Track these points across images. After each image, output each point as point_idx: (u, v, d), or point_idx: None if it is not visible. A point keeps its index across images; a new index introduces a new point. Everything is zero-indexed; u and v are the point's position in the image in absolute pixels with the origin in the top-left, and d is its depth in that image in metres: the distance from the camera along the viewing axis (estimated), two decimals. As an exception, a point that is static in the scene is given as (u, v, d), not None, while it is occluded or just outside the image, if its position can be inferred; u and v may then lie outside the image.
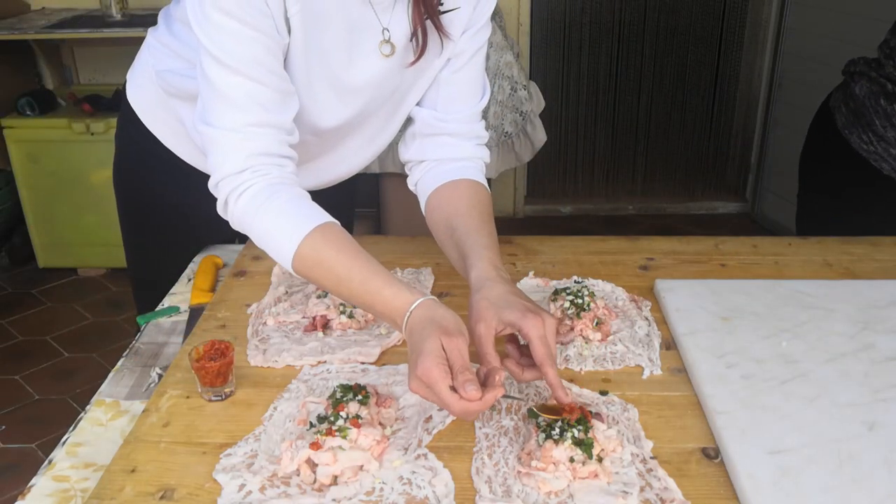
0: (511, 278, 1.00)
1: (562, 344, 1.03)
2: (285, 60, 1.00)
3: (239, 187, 0.96)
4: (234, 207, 0.97)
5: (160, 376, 1.03)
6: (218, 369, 0.93)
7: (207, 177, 1.00)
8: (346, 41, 1.03)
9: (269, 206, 0.95)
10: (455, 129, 1.14)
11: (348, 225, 1.53)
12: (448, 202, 1.10)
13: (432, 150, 1.15)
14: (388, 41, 1.05)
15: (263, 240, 0.97)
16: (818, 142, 1.68)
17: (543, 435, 0.82)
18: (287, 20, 0.97)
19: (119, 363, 1.07)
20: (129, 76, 1.27)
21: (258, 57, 0.95)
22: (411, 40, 1.04)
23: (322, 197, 1.34)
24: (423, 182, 1.15)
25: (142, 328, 1.15)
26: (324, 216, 0.97)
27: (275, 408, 0.92)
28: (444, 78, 1.12)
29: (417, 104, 1.15)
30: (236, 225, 1.00)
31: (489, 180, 3.41)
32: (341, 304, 1.08)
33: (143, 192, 1.32)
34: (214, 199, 1.01)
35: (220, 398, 0.94)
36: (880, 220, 1.51)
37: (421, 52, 1.04)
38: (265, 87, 0.96)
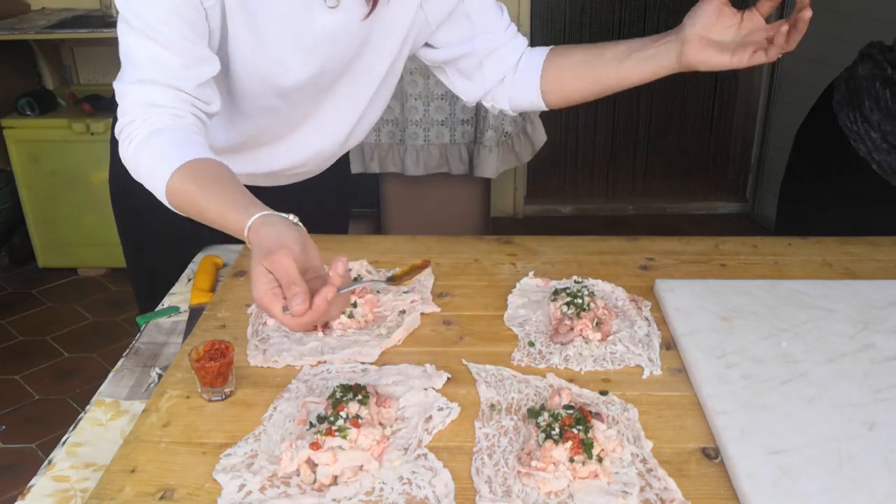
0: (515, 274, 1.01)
1: (562, 344, 1.04)
2: (226, 20, 1.02)
3: (131, 134, 0.99)
4: (126, 154, 1.00)
5: (160, 376, 1.03)
6: (218, 369, 0.93)
7: None
8: None
9: (149, 147, 0.97)
10: (503, 40, 1.21)
11: (343, 225, 1.54)
12: (563, 65, 1.19)
13: (500, 64, 1.22)
14: None
15: (146, 181, 0.99)
16: (812, 117, 1.71)
17: (543, 435, 0.82)
18: None
19: (119, 363, 1.07)
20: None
21: (165, 19, 0.97)
22: None
23: (318, 198, 1.35)
24: (516, 92, 1.23)
25: (142, 328, 1.15)
26: (199, 153, 0.97)
27: (275, 408, 0.92)
28: (466, 13, 1.18)
29: (455, 45, 1.20)
30: (133, 173, 1.02)
31: (489, 180, 3.39)
32: (341, 304, 1.08)
33: (136, 195, 1.32)
34: None
35: (220, 398, 0.94)
36: (856, 200, 1.54)
37: (373, 4, 1.05)
38: (168, 52, 0.98)
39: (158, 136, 0.97)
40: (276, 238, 0.83)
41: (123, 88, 1.01)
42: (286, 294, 0.80)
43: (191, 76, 1.00)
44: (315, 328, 0.99)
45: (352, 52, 1.12)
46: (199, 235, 1.37)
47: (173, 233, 1.34)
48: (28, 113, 3.03)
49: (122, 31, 0.99)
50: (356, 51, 1.12)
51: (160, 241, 1.35)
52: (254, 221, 0.85)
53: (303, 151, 1.24)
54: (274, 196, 1.35)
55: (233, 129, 1.18)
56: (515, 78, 1.22)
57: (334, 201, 1.48)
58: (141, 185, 1.30)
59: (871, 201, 1.56)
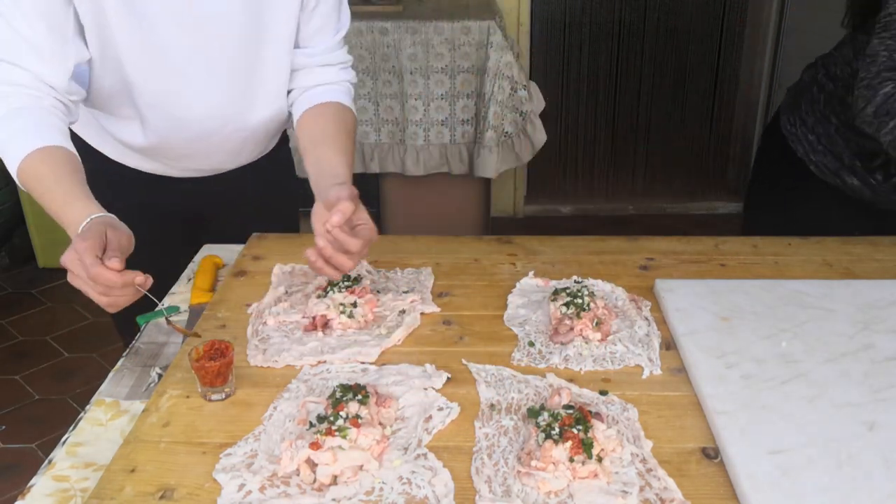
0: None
1: (562, 344, 1.04)
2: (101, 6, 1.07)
3: None
4: None
5: (160, 376, 1.03)
6: (218, 369, 0.93)
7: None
8: None
9: (9, 124, 1.04)
10: (320, 61, 1.28)
11: (292, 226, 1.55)
12: (304, 125, 1.25)
13: (303, 80, 1.28)
14: None
15: (2, 155, 1.05)
16: (771, 122, 1.76)
17: (543, 435, 0.82)
18: None
19: (119, 363, 1.08)
20: None
21: (27, 16, 1.03)
22: None
23: (262, 199, 1.38)
24: (297, 103, 1.29)
25: (142, 328, 1.15)
26: (55, 140, 1.03)
27: (275, 408, 0.92)
28: (303, 18, 1.23)
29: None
30: None
31: (488, 180, 3.40)
32: (341, 304, 1.09)
33: (126, 196, 1.33)
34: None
35: (220, 398, 0.94)
36: (803, 202, 1.59)
37: None
38: (27, 46, 1.05)
39: (17, 115, 1.04)
40: (124, 226, 0.97)
41: None
42: (109, 253, 0.90)
43: (49, 70, 1.07)
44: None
45: (244, 23, 1.17)
46: (197, 236, 1.38)
47: (168, 233, 1.34)
48: (28, 113, 3.03)
49: None
50: (249, 24, 1.17)
51: (154, 243, 1.35)
52: (100, 216, 0.96)
53: (220, 122, 1.27)
54: (215, 198, 1.38)
55: (148, 128, 1.23)
56: (299, 98, 1.29)
57: (279, 203, 1.51)
58: (128, 188, 1.31)
59: (814, 201, 1.59)
